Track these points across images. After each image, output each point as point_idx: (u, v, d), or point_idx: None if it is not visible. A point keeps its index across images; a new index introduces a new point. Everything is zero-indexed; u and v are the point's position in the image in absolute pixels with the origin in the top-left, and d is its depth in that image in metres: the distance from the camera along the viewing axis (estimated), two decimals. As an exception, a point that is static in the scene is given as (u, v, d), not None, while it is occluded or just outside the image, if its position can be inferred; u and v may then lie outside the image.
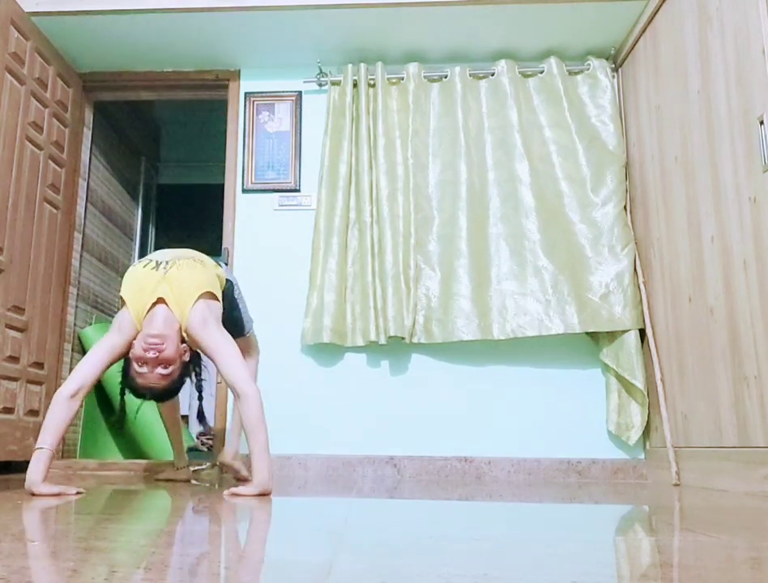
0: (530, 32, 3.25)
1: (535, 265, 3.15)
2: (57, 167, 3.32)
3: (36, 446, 1.90)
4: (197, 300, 2.04)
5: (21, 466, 3.11)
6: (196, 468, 3.01)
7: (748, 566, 0.93)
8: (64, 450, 3.41)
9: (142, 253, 4.84)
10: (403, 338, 3.12)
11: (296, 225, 3.39)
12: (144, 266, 2.12)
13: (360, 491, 2.21)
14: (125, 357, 2.04)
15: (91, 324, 3.77)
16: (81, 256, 3.62)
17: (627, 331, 3.04)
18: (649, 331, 3.03)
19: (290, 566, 0.91)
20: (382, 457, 3.12)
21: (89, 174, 3.72)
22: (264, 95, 3.53)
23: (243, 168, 3.46)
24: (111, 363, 2.02)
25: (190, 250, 2.31)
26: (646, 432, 3.06)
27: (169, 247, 2.40)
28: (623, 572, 0.90)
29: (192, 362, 2.10)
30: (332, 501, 1.89)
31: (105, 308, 4.10)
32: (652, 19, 3.00)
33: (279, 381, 3.13)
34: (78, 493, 1.92)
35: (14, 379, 2.94)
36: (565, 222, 3.21)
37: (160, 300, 2.02)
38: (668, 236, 2.85)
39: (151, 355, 1.94)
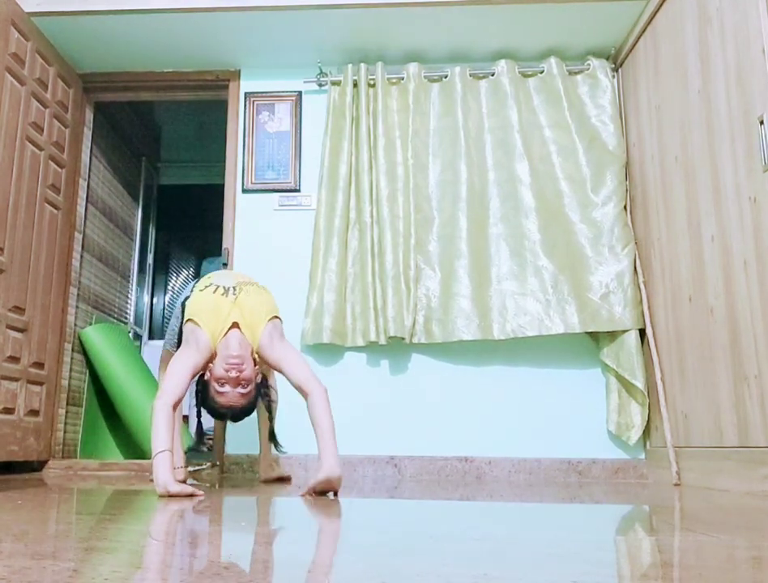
0: (530, 32, 3.25)
1: (535, 265, 3.15)
2: (57, 167, 3.32)
3: (157, 451, 1.97)
4: (266, 325, 2.24)
5: (22, 467, 3.11)
6: (196, 468, 3.01)
7: (749, 565, 0.93)
8: (64, 450, 3.42)
9: (143, 253, 4.84)
10: (403, 339, 3.12)
11: (296, 225, 3.39)
12: (214, 291, 2.29)
13: (361, 491, 2.22)
14: (201, 381, 2.19)
15: (91, 324, 3.77)
16: (81, 256, 3.62)
17: (627, 331, 3.04)
18: (649, 331, 3.03)
19: (290, 566, 0.91)
20: (383, 456, 3.12)
21: (89, 174, 3.72)
22: (264, 95, 3.53)
23: (243, 168, 3.46)
24: (192, 379, 2.19)
25: (245, 274, 2.55)
26: (647, 432, 3.06)
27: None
28: (623, 572, 0.90)
29: (261, 384, 2.25)
30: (332, 501, 1.89)
31: (105, 308, 4.10)
32: (652, 19, 2.99)
33: (278, 381, 3.12)
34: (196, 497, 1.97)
35: (15, 379, 2.94)
36: (565, 222, 3.21)
37: (234, 325, 2.20)
38: (668, 236, 2.85)
39: (233, 374, 2.10)
